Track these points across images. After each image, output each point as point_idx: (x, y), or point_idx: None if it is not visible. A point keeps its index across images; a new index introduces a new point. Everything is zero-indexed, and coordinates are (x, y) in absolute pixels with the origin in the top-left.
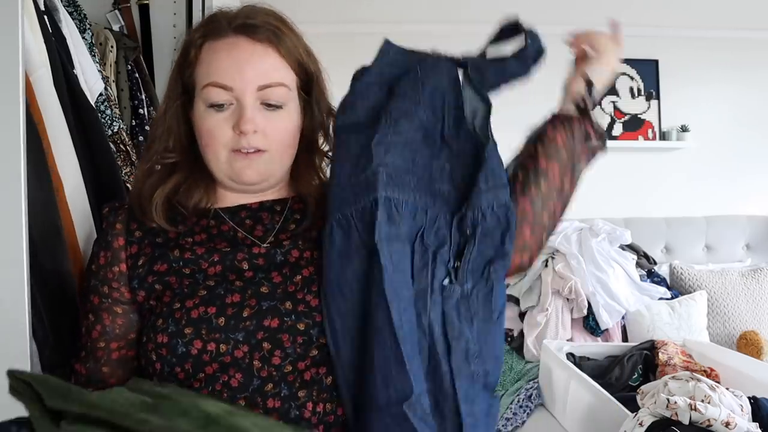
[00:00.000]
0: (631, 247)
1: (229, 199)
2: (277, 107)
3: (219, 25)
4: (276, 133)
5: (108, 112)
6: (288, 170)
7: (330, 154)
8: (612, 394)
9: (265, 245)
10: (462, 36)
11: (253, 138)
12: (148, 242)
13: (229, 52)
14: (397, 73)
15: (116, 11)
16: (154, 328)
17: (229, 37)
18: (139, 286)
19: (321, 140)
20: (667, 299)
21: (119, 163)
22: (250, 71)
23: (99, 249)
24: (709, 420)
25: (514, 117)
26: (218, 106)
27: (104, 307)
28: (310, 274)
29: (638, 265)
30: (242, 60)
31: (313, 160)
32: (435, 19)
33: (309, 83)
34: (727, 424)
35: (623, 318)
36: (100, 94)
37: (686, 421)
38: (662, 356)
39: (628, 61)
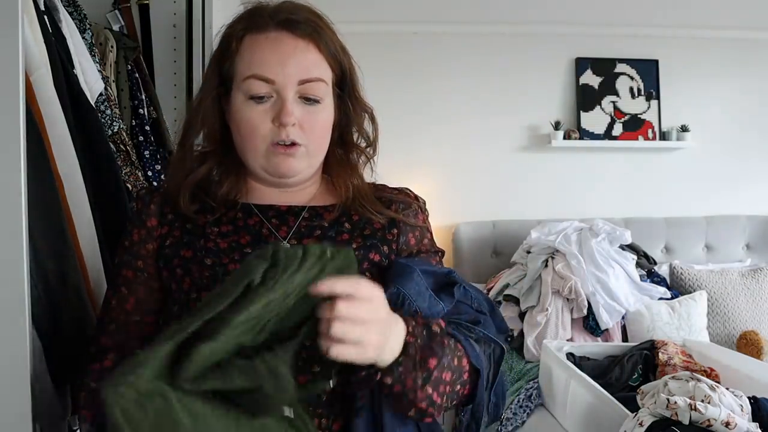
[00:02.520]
0: (631, 247)
1: (259, 193)
2: (315, 101)
3: (261, 19)
4: (313, 127)
5: (108, 112)
6: (320, 167)
7: (368, 150)
8: (612, 394)
9: (285, 244)
10: (460, 36)
11: (291, 131)
12: (178, 225)
13: (273, 46)
14: None
15: (116, 11)
16: (170, 314)
17: (272, 31)
18: (164, 266)
19: (356, 136)
20: (667, 299)
21: (119, 163)
22: (292, 66)
23: (133, 227)
24: (709, 420)
25: (511, 111)
26: (258, 98)
27: (141, 280)
28: None
29: (638, 265)
30: (285, 54)
31: (349, 156)
32: (434, 20)
33: (343, 79)
34: (727, 424)
35: (623, 318)
36: (100, 94)
37: (686, 421)
38: (662, 356)
39: (628, 61)
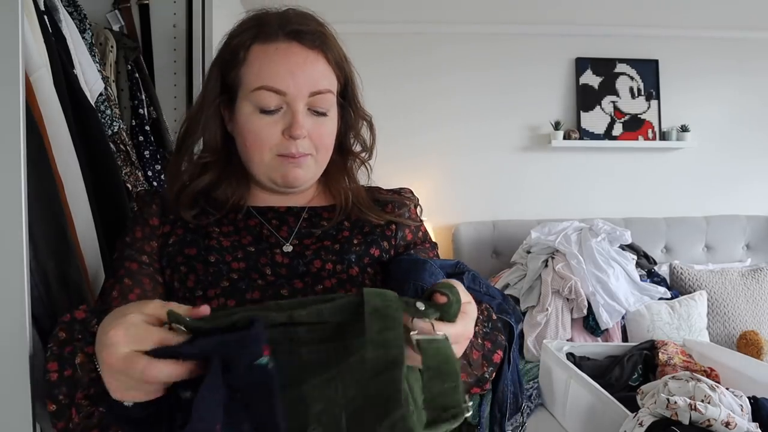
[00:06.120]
0: (631, 247)
1: (260, 197)
2: (323, 113)
3: (270, 29)
4: (321, 138)
5: (108, 112)
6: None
7: (363, 155)
8: (612, 394)
9: (288, 245)
10: (460, 36)
11: (302, 143)
12: (180, 224)
13: (284, 57)
14: None
15: (116, 11)
16: None
17: (282, 41)
18: (167, 265)
19: (353, 142)
20: (667, 299)
21: (119, 163)
22: (302, 78)
23: (135, 224)
24: (709, 420)
25: (511, 111)
26: (269, 111)
27: (146, 273)
28: (332, 286)
29: (638, 265)
30: (296, 66)
31: (345, 162)
32: (434, 20)
33: (346, 88)
34: (727, 424)
35: (623, 318)
36: (100, 94)
37: (686, 421)
38: (662, 356)
39: (628, 61)
